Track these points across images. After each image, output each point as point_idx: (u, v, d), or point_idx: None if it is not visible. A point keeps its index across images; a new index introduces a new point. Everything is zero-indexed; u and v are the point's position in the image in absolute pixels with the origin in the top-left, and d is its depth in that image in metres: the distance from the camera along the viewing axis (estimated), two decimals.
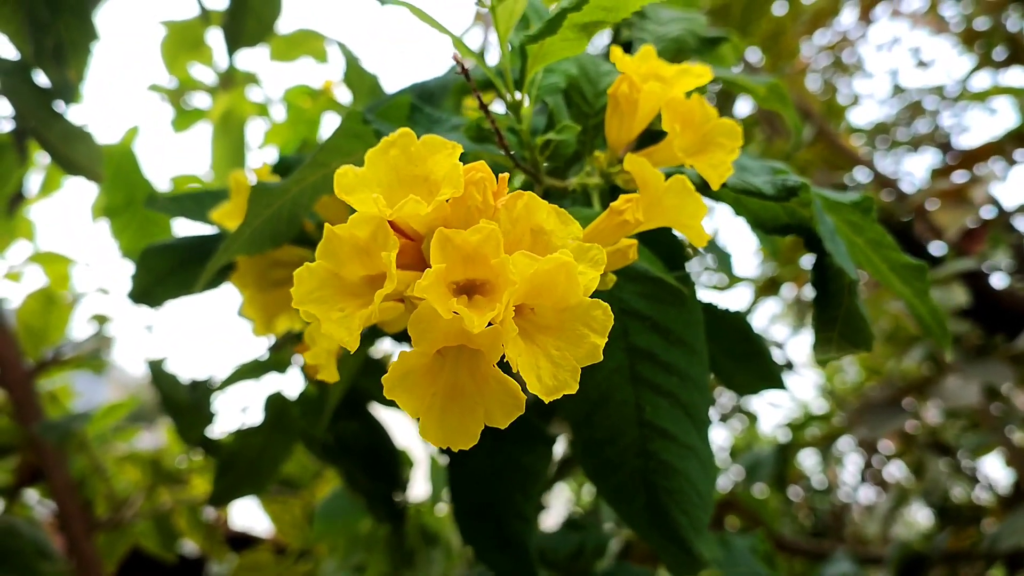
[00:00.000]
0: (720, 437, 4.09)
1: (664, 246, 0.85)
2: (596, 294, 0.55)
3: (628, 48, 1.07)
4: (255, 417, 1.54)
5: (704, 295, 0.88)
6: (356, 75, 1.73)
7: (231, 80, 2.25)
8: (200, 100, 2.35)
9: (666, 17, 1.11)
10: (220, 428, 2.09)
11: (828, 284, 0.76)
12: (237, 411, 1.64)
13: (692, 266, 0.92)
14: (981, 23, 3.60)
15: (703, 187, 0.74)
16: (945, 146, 4.01)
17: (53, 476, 1.93)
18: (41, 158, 2.26)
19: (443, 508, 2.21)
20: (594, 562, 1.40)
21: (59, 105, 1.38)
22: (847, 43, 4.46)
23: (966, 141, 3.98)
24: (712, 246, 1.42)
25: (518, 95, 0.77)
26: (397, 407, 1.40)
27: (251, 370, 1.49)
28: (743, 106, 3.00)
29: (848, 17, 4.24)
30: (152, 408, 2.26)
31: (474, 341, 0.52)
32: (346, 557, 2.15)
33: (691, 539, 0.78)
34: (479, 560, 1.16)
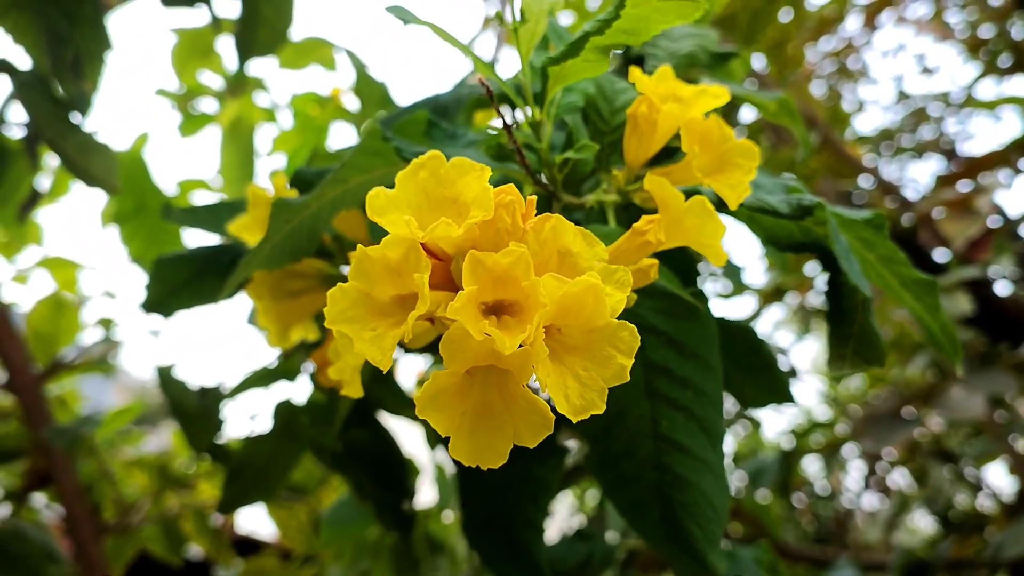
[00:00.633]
0: (725, 445, 4.09)
1: (679, 262, 0.86)
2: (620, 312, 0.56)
3: (640, 62, 1.09)
4: (264, 424, 1.55)
5: (712, 305, 0.89)
6: (366, 84, 1.74)
7: (240, 86, 2.26)
8: (207, 105, 2.36)
9: (678, 34, 1.12)
10: (229, 434, 2.10)
11: (842, 301, 0.78)
12: (246, 418, 1.64)
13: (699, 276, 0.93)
14: (986, 30, 3.62)
15: (719, 205, 0.75)
16: (950, 153, 4.02)
17: (61, 480, 1.94)
18: (49, 160, 2.27)
19: (449, 516, 2.22)
20: (601, 572, 1.41)
21: (75, 116, 1.39)
22: (852, 50, 4.48)
23: (971, 148, 3.99)
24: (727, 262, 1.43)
25: (538, 113, 0.79)
26: (404, 417, 1.41)
27: (261, 378, 1.50)
28: (747, 112, 3.01)
29: (853, 24, 4.26)
30: (157, 411, 2.27)
31: (504, 361, 0.53)
32: (351, 563, 2.16)
33: (705, 552, 0.79)
34: (488, 569, 1.17)
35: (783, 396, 1.11)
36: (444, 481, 2.22)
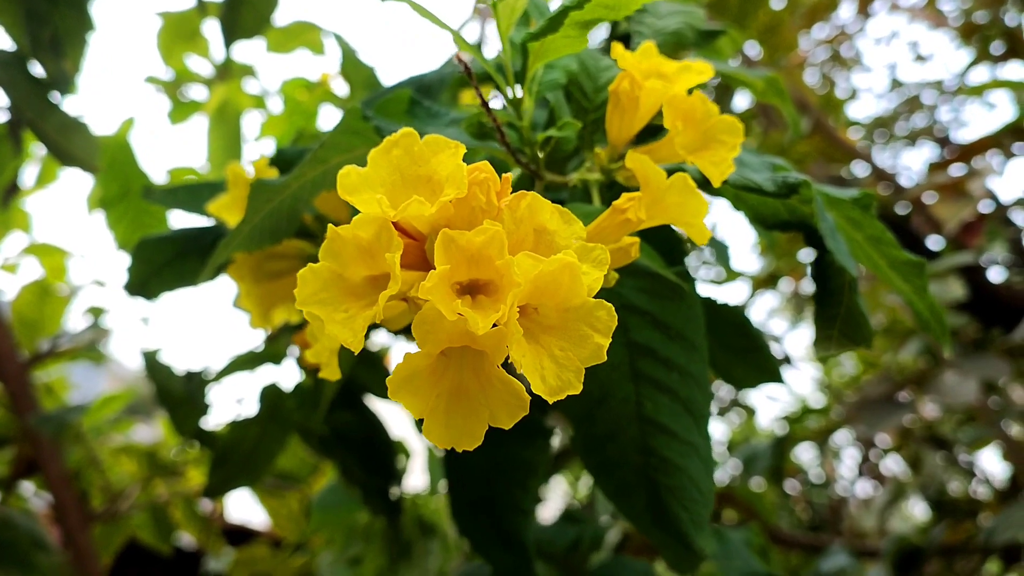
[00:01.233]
0: (717, 431, 4.09)
1: (663, 241, 0.85)
2: (597, 291, 0.55)
3: (626, 41, 1.07)
4: (250, 408, 1.53)
5: (702, 289, 0.88)
6: (353, 67, 1.72)
7: (228, 71, 2.24)
8: (197, 92, 2.34)
9: (664, 11, 1.11)
10: (215, 420, 2.09)
11: (829, 282, 0.76)
12: (232, 403, 1.63)
13: (690, 261, 0.91)
14: (980, 17, 3.60)
15: (703, 183, 0.74)
16: (943, 141, 4.02)
17: (48, 468, 1.93)
18: (37, 150, 2.25)
19: (440, 498, 2.22)
20: (590, 555, 1.41)
21: (55, 96, 1.37)
22: (845, 37, 4.46)
23: (964, 136, 3.98)
24: (711, 240, 1.42)
25: (519, 91, 0.77)
26: (391, 401, 1.39)
27: (246, 361, 1.49)
28: (741, 100, 2.99)
29: (846, 11, 4.24)
30: (149, 402, 2.26)
31: (478, 342, 0.52)
32: (343, 550, 2.15)
33: (692, 535, 0.78)
34: (476, 553, 1.16)
35: (772, 376, 1.09)
36: (435, 464, 2.21)
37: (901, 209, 2.82)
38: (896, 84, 4.34)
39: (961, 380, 2.43)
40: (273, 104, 2.33)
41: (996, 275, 2.91)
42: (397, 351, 1.68)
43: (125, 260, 1.21)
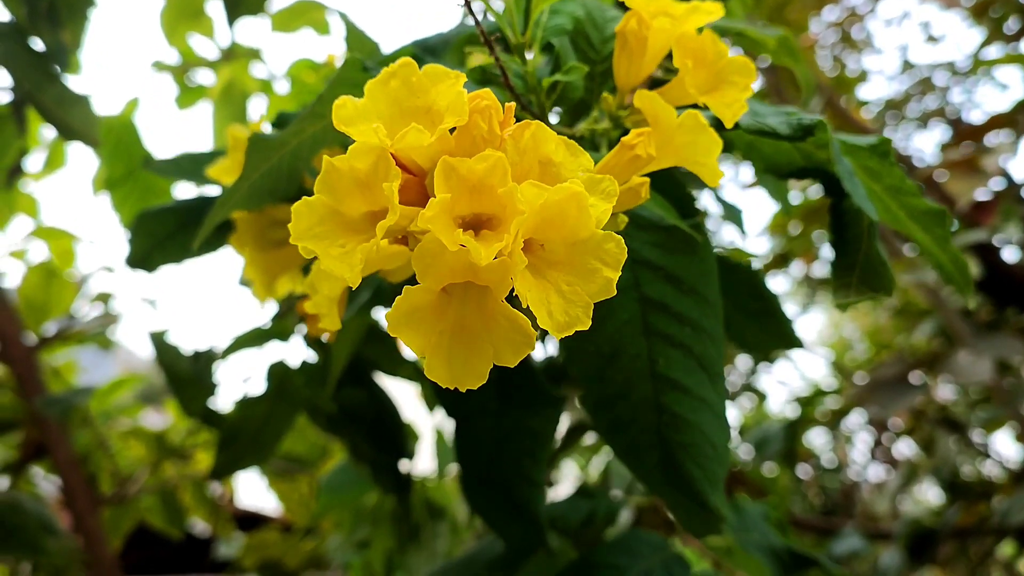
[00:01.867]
0: (729, 417, 4.06)
1: (674, 194, 0.82)
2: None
3: None
4: (258, 387, 1.52)
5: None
6: (357, 41, 1.70)
7: (233, 54, 2.22)
8: (204, 77, 2.32)
9: None
10: (223, 400, 2.07)
11: (847, 229, 0.74)
12: (240, 382, 1.61)
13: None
14: None
15: (716, 127, 0.72)
16: (955, 122, 3.97)
17: (56, 451, 1.92)
18: (46, 133, 2.24)
19: (449, 481, 2.20)
20: (605, 529, 1.38)
21: (55, 69, 1.35)
22: (856, 18, 4.42)
23: (976, 117, 3.94)
24: (724, 203, 1.39)
25: (522, 35, 0.75)
26: (401, 378, 1.37)
27: (253, 338, 1.47)
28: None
29: None
30: (158, 389, 2.25)
31: (481, 276, 0.49)
32: (351, 533, 2.14)
33: (707, 493, 0.75)
34: (489, 528, 1.14)
35: (787, 341, 1.07)
36: (444, 446, 2.19)
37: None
38: (908, 66, 4.29)
39: (975, 360, 2.40)
40: (280, 88, 2.31)
41: (1011, 255, 2.87)
42: None
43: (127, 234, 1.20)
